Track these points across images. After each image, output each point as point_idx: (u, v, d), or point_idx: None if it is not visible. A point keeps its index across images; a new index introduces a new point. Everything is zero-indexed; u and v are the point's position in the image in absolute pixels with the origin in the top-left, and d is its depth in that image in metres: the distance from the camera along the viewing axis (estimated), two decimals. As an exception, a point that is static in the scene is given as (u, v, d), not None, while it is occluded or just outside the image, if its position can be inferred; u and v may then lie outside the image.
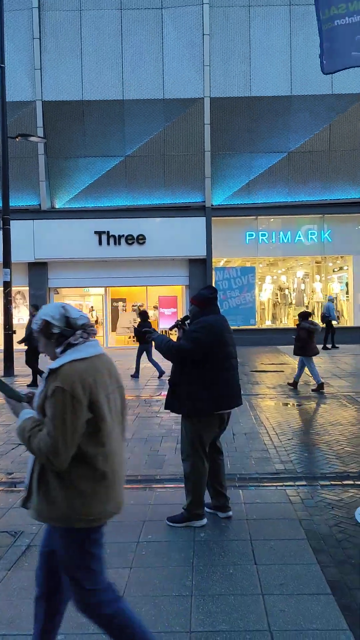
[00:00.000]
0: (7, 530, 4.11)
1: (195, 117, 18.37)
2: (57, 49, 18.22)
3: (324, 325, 17.17)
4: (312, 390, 10.02)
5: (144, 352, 12.13)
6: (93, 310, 23.28)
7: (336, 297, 19.83)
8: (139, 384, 11.15)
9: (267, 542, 3.84)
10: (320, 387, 9.88)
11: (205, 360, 4.02)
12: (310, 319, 10.20)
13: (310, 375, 10.24)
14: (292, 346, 10.29)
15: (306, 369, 10.32)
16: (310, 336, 9.84)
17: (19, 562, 3.62)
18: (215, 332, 4.06)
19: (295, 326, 10.36)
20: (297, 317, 10.60)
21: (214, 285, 18.91)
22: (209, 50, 18.09)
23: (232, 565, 3.52)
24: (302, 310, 11.01)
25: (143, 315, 12.11)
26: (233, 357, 4.19)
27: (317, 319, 17.85)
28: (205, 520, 4.15)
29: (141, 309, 12.79)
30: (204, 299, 4.21)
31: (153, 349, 11.74)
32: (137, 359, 12.25)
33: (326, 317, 17.28)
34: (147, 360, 12.21)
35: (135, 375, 12.15)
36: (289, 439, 6.61)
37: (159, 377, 11.91)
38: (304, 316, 10.21)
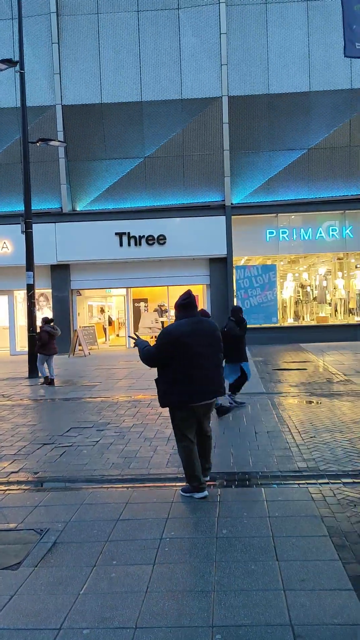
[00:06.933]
0: (34, 528, 4.21)
1: (214, 116, 18.38)
2: (75, 53, 18.41)
3: None
4: (40, 383, 11.95)
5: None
6: (105, 312, 23.21)
7: (358, 294, 19.65)
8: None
9: (289, 539, 3.86)
10: (47, 380, 11.85)
11: (171, 362, 4.69)
12: (52, 324, 12.19)
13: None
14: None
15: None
16: (50, 338, 11.93)
17: (45, 559, 3.71)
18: (172, 338, 4.67)
19: (39, 329, 12.36)
20: (42, 321, 12.38)
21: (234, 283, 18.90)
22: (226, 49, 18.07)
23: (253, 561, 3.56)
24: (44, 317, 12.77)
25: None
26: (206, 356, 4.72)
27: (340, 315, 17.64)
28: (204, 493, 4.71)
29: None
30: (176, 306, 4.89)
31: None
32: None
33: None
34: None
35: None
36: (311, 437, 6.60)
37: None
38: (47, 321, 12.23)
